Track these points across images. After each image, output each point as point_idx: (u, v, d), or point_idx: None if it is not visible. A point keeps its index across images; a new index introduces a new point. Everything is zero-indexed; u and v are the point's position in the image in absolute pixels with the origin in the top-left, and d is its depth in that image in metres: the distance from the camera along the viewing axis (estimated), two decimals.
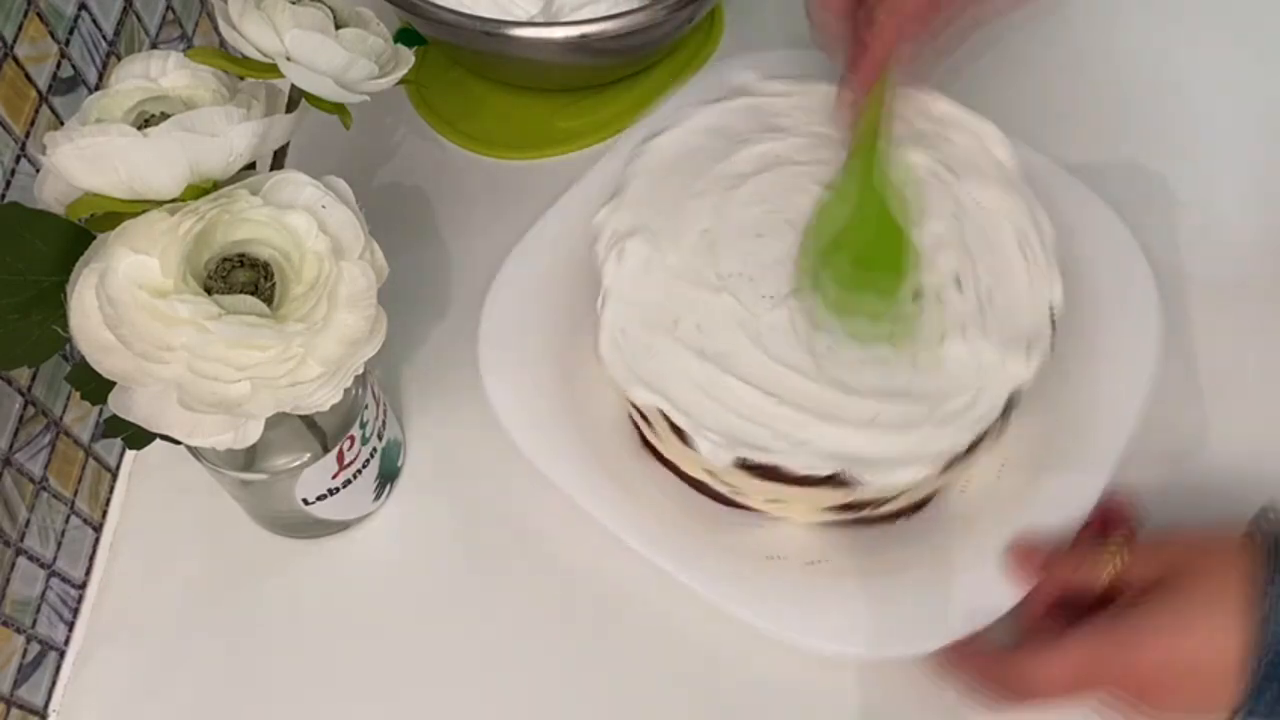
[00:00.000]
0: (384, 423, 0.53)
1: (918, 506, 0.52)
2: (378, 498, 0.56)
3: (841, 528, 0.52)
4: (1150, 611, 0.43)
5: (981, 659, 0.47)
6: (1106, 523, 0.50)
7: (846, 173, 0.53)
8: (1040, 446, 0.52)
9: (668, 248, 0.53)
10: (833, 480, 0.47)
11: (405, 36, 0.66)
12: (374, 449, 0.53)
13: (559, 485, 0.52)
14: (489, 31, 0.60)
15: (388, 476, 0.56)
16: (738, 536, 0.52)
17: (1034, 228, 0.52)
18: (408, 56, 0.46)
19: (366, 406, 0.51)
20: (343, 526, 0.55)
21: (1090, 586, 0.46)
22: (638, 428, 0.54)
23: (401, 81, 0.45)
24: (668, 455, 0.53)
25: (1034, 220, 0.52)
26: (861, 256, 0.52)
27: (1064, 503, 0.50)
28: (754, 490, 0.50)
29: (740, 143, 0.56)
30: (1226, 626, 0.41)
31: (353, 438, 0.50)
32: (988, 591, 0.48)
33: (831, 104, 0.55)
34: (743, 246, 0.53)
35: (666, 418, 0.49)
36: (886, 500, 0.50)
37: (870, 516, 0.52)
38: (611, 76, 0.68)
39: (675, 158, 0.56)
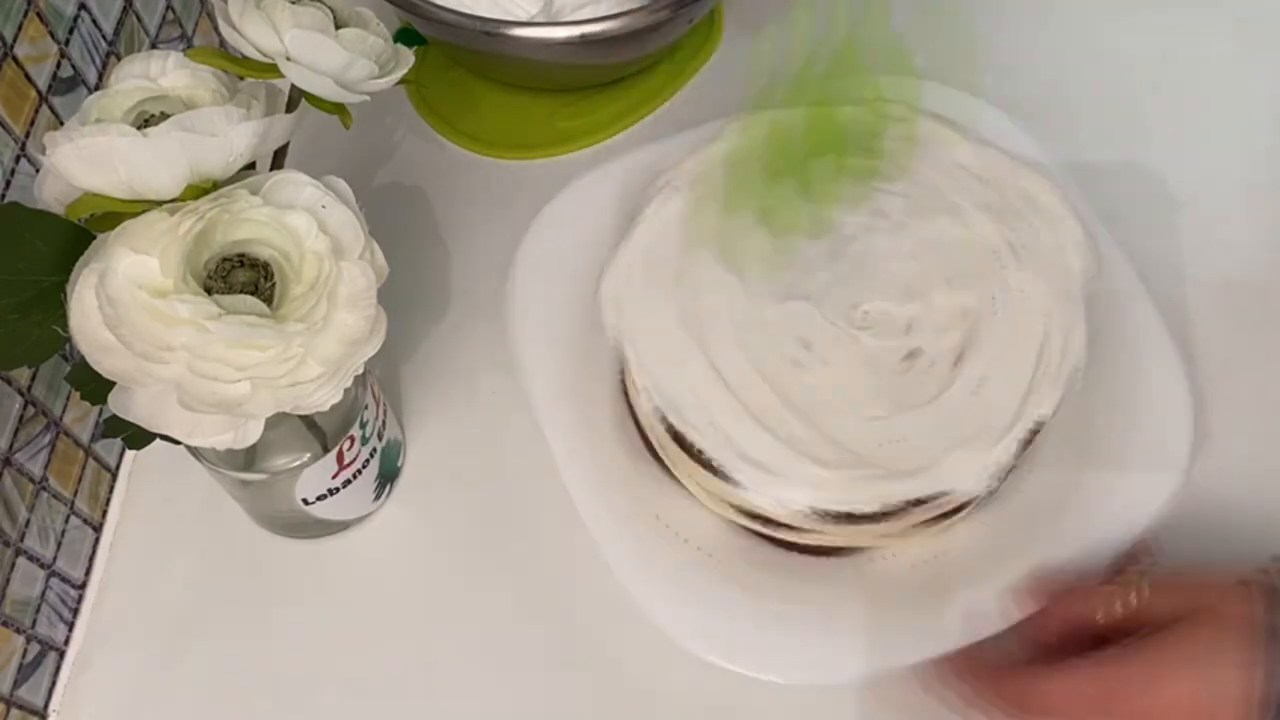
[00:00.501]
0: (384, 423, 0.53)
1: (829, 551, 0.51)
2: (378, 498, 0.56)
3: (758, 540, 0.51)
4: (1168, 647, 0.42)
5: (985, 671, 0.46)
6: (1124, 555, 0.49)
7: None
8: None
9: (709, 210, 0.53)
10: (715, 470, 0.47)
11: (405, 36, 0.66)
12: (374, 449, 0.53)
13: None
14: (489, 31, 0.60)
15: (388, 476, 0.56)
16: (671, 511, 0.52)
17: (1063, 342, 0.50)
18: (408, 56, 0.46)
19: (366, 406, 0.51)
20: (343, 526, 0.55)
21: (1103, 618, 0.45)
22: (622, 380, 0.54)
23: (401, 81, 0.45)
24: (636, 409, 0.53)
25: (1067, 337, 0.50)
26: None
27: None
28: (684, 470, 0.51)
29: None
30: (1248, 669, 0.41)
31: (353, 438, 0.50)
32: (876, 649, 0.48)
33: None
34: (777, 238, 0.53)
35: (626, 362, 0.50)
36: (794, 527, 0.49)
37: (780, 539, 0.51)
38: (611, 76, 0.68)
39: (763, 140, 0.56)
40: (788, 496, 0.47)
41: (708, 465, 0.48)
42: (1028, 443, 0.48)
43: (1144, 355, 0.54)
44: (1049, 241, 0.53)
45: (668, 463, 0.52)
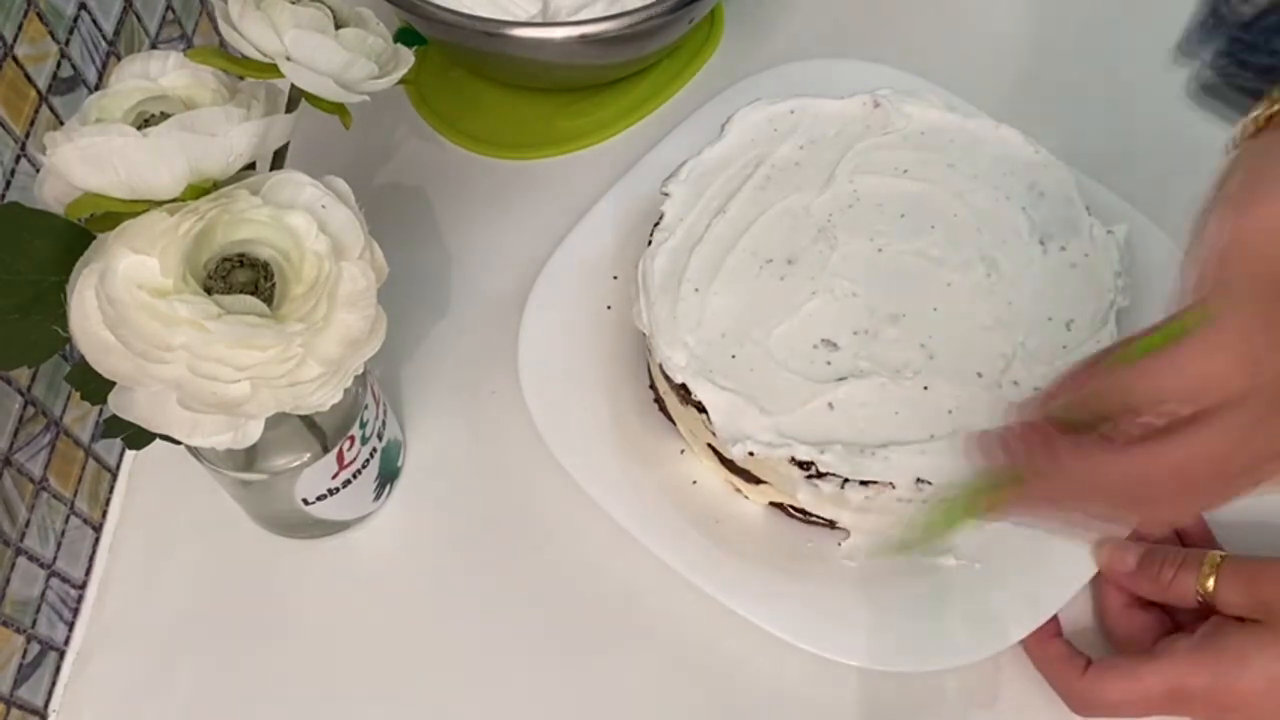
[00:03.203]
0: (384, 423, 0.53)
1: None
2: (378, 498, 0.56)
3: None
4: (1253, 637, 0.43)
5: (1061, 665, 0.47)
6: (1182, 535, 0.50)
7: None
8: None
9: (878, 136, 0.56)
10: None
11: (405, 36, 0.66)
12: (374, 449, 0.53)
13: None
14: (489, 31, 0.60)
15: (388, 476, 0.56)
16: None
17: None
18: (408, 56, 0.46)
19: (366, 406, 0.51)
20: (343, 526, 0.55)
21: (1180, 597, 0.46)
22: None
23: (401, 81, 0.45)
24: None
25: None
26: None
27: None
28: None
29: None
30: None
31: (353, 438, 0.50)
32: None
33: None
34: (885, 200, 0.54)
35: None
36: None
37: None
38: (611, 76, 0.68)
39: (954, 134, 0.57)
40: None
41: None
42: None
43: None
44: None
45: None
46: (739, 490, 0.53)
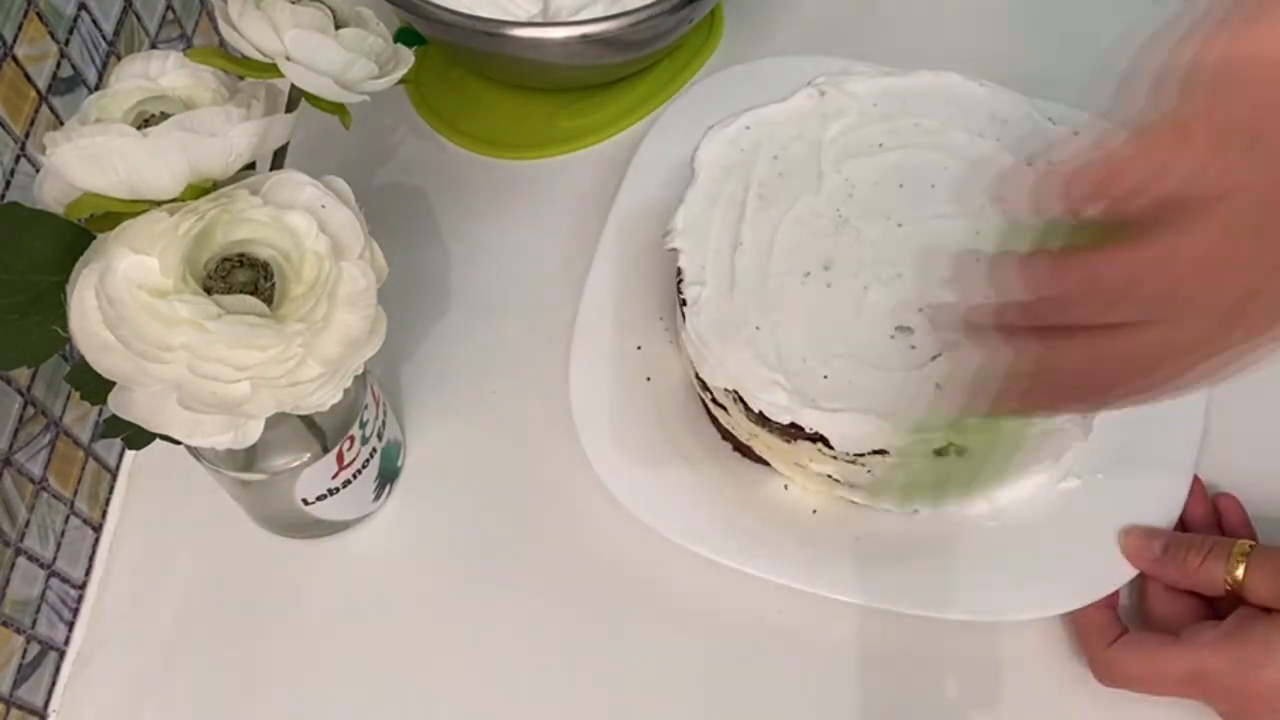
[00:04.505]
0: (384, 423, 0.53)
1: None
2: (378, 498, 0.56)
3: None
4: (1275, 634, 0.43)
5: (1095, 631, 0.48)
6: (1221, 523, 0.50)
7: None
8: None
9: (844, 124, 0.56)
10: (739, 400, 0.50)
11: (405, 36, 0.66)
12: (374, 449, 0.53)
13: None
14: (489, 31, 0.60)
15: (388, 476, 0.56)
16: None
17: None
18: (408, 56, 0.46)
19: (366, 406, 0.51)
20: (343, 526, 0.55)
21: (1208, 585, 0.46)
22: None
23: (401, 81, 0.45)
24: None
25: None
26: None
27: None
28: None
29: (995, 139, 0.55)
30: None
31: (353, 438, 0.50)
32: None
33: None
34: (878, 177, 0.54)
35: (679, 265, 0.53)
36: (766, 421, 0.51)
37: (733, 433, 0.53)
38: (611, 76, 0.68)
39: (946, 98, 0.57)
40: (710, 358, 0.50)
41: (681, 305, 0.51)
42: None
43: None
44: None
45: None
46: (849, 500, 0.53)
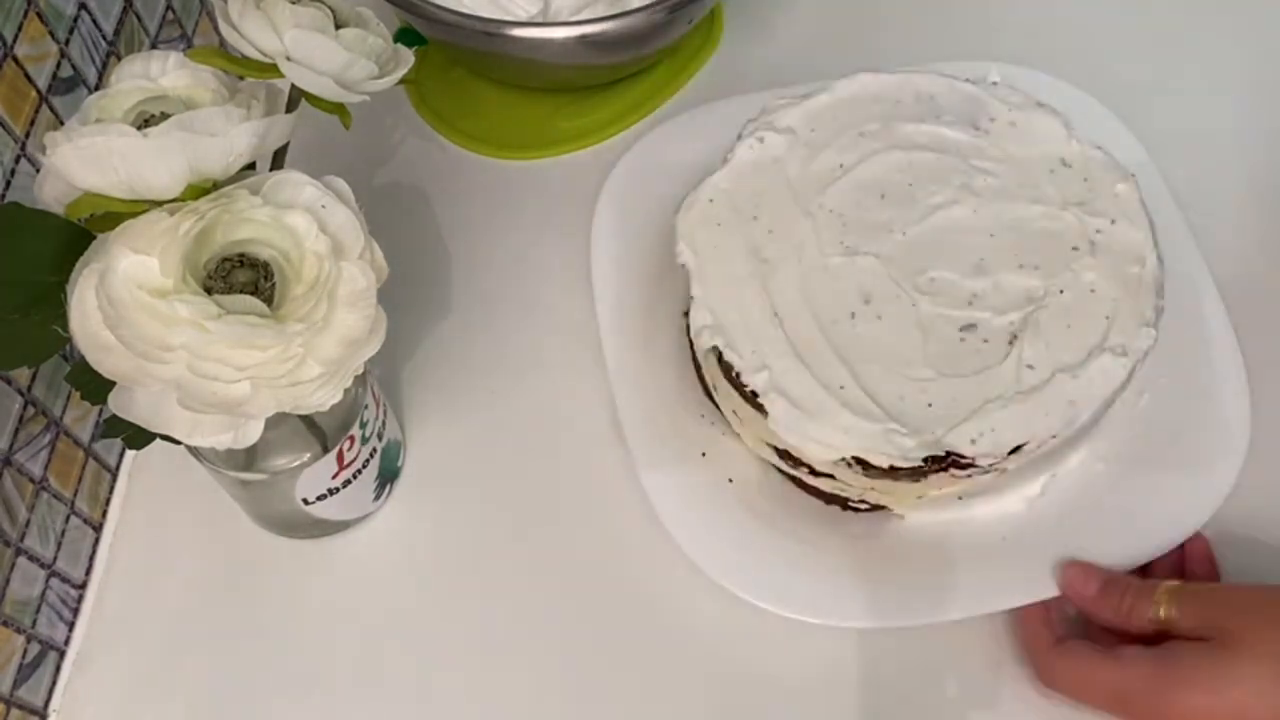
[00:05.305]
0: (384, 423, 0.53)
1: (852, 504, 0.53)
2: (378, 498, 0.56)
3: (784, 482, 0.54)
4: (1201, 655, 0.44)
5: (1035, 629, 0.49)
6: (1185, 564, 0.51)
7: None
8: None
9: (801, 159, 0.55)
10: (752, 399, 0.49)
11: (405, 36, 0.66)
12: (374, 449, 0.53)
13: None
14: (489, 31, 0.60)
15: (388, 476, 0.56)
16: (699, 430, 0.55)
17: (1123, 342, 0.50)
18: (408, 56, 0.46)
19: (366, 406, 0.51)
20: (343, 526, 0.55)
21: (1137, 623, 0.47)
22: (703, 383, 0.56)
23: (401, 81, 0.45)
24: (708, 379, 0.54)
25: (1128, 340, 0.50)
26: None
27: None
28: (725, 395, 0.52)
29: (935, 118, 0.56)
30: (1261, 697, 0.42)
31: (353, 438, 0.50)
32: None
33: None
34: (859, 196, 0.53)
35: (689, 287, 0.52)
36: (817, 473, 0.51)
37: (802, 481, 0.53)
38: (611, 76, 0.68)
39: (869, 99, 0.56)
40: (815, 436, 0.48)
41: (745, 393, 0.49)
42: (1056, 436, 0.48)
43: (1208, 364, 0.56)
44: (1130, 245, 0.53)
45: (715, 396, 0.54)
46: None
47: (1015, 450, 0.48)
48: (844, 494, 0.52)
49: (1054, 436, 0.48)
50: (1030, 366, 0.49)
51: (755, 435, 0.52)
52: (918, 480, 0.49)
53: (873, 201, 0.53)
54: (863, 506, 0.53)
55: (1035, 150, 0.55)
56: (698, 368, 0.56)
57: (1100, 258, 0.52)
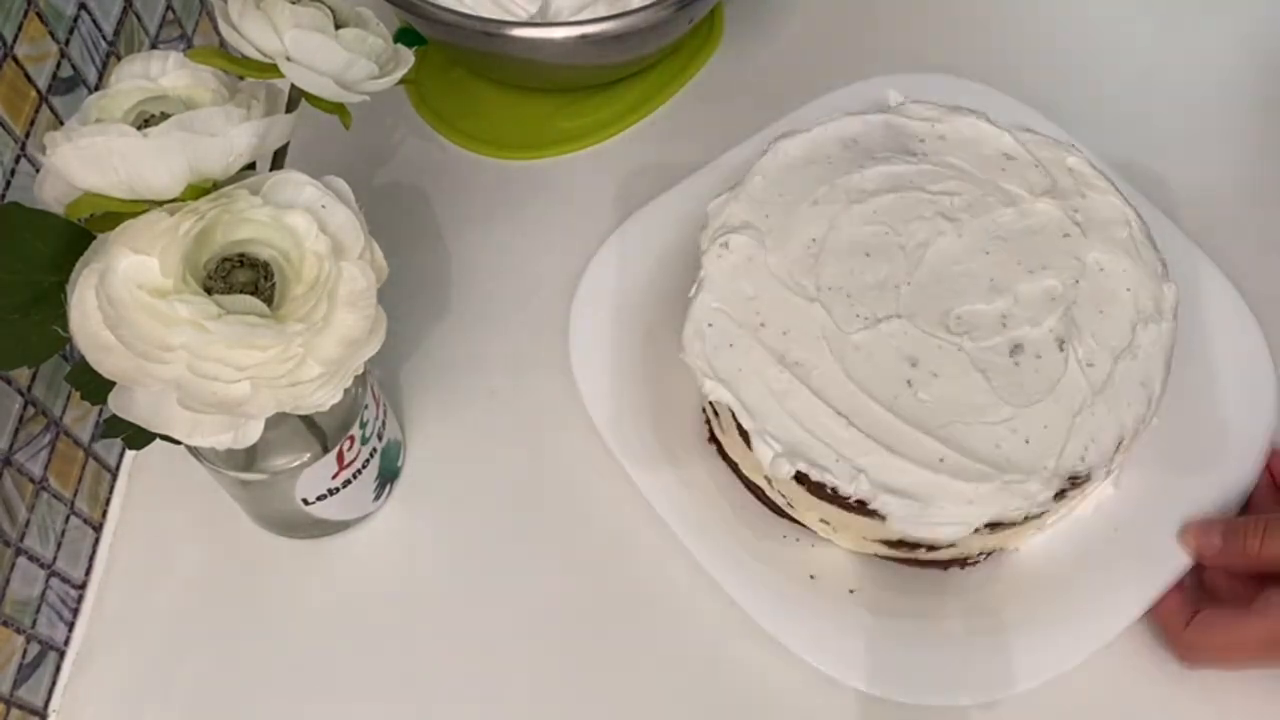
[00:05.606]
0: (384, 423, 0.53)
1: (971, 560, 0.52)
2: (378, 498, 0.56)
3: (888, 563, 0.52)
4: None
5: (1171, 616, 0.49)
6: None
7: None
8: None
9: (772, 248, 0.52)
10: (880, 513, 0.47)
11: (405, 36, 0.66)
12: (374, 449, 0.53)
13: (615, 454, 0.53)
14: (489, 31, 0.60)
15: (388, 476, 0.56)
16: (783, 550, 0.52)
17: (1153, 306, 0.51)
18: (408, 56, 0.46)
19: (366, 406, 0.51)
20: (343, 526, 0.55)
21: (1271, 564, 0.47)
22: (708, 421, 0.55)
23: (401, 81, 0.45)
24: (731, 454, 0.53)
25: (1156, 301, 0.51)
26: None
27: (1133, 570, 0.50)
28: (807, 506, 0.50)
29: (872, 159, 0.55)
30: None
31: (353, 438, 0.50)
32: (1035, 653, 0.49)
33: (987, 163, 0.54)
34: (848, 262, 0.52)
35: (735, 417, 0.48)
36: (938, 547, 0.50)
37: (919, 559, 0.51)
38: (611, 76, 0.68)
39: (804, 162, 0.55)
40: (942, 519, 0.46)
41: (850, 505, 0.47)
42: (1145, 415, 0.49)
43: (1223, 326, 0.56)
44: (1109, 211, 0.53)
45: (782, 504, 0.51)
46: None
47: (1117, 449, 0.48)
48: (963, 555, 0.51)
49: (1143, 420, 0.48)
50: (1090, 365, 0.49)
51: (858, 536, 0.50)
52: (1040, 516, 0.48)
53: (862, 264, 0.52)
54: (982, 559, 0.52)
55: (977, 154, 0.55)
56: (749, 486, 0.53)
57: (1092, 236, 0.52)
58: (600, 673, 0.52)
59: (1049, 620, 0.50)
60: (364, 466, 0.52)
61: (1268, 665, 0.47)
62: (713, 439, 0.55)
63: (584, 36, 0.60)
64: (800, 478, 0.47)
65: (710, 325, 0.51)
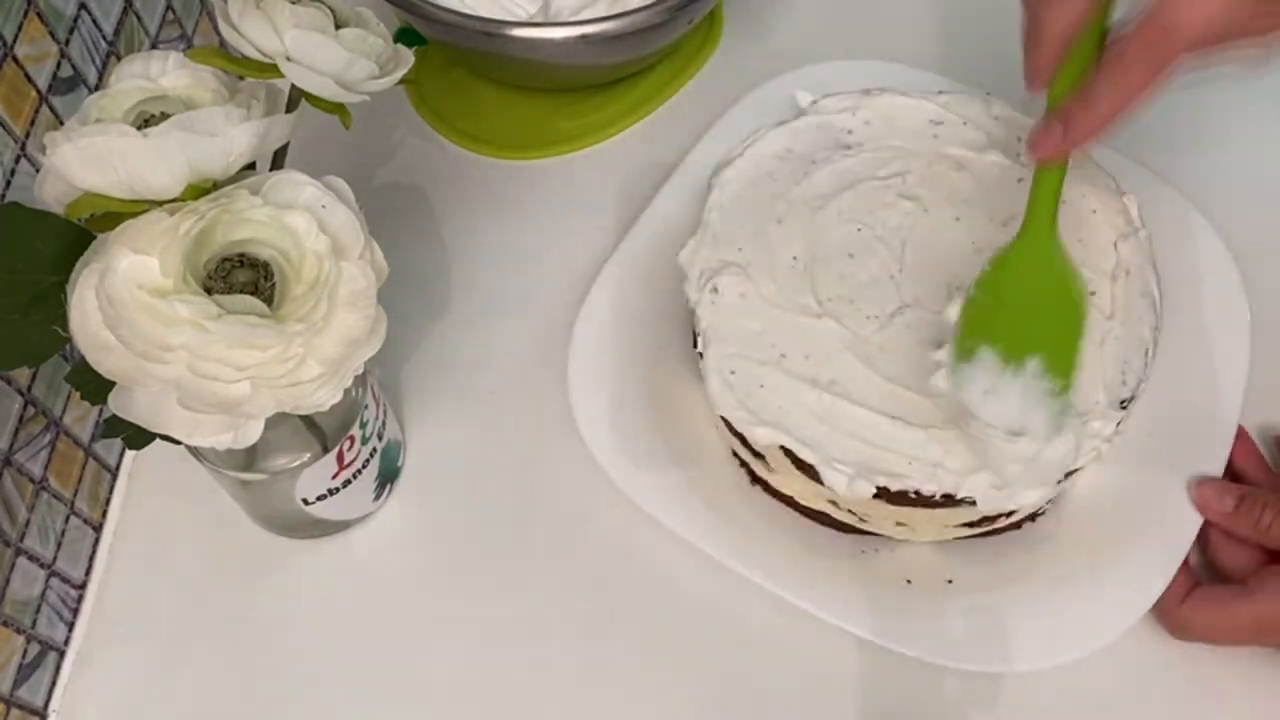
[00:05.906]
0: (384, 423, 0.53)
1: (1040, 512, 0.52)
2: (378, 498, 0.56)
3: (966, 541, 0.52)
4: None
5: (1169, 593, 0.48)
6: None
7: (1019, 241, 0.48)
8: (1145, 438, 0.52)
9: (761, 279, 0.51)
10: (969, 500, 0.47)
11: (405, 36, 0.66)
12: (374, 449, 0.53)
13: (672, 528, 0.51)
14: (489, 31, 0.60)
15: (388, 476, 0.56)
16: (867, 563, 0.51)
17: (1121, 217, 0.52)
18: (408, 56, 0.46)
19: (366, 406, 0.51)
20: (343, 526, 0.55)
21: (1276, 542, 0.48)
22: (743, 465, 0.53)
23: (401, 81, 0.45)
24: (786, 490, 0.52)
25: (1120, 210, 0.52)
26: (1030, 333, 0.47)
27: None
28: (884, 515, 0.49)
29: (814, 163, 0.55)
30: None
31: (353, 438, 0.50)
32: (1132, 587, 0.49)
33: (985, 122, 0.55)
34: (837, 268, 0.52)
35: (791, 454, 0.47)
36: (1013, 511, 0.50)
37: (998, 528, 0.51)
38: (611, 76, 0.68)
39: (750, 185, 0.54)
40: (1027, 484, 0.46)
41: (934, 502, 0.47)
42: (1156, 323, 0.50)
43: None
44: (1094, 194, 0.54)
45: (853, 520, 0.51)
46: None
47: (1146, 362, 0.49)
48: (1035, 509, 0.51)
49: (1156, 328, 0.50)
50: (1093, 292, 0.49)
51: (940, 526, 0.50)
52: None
53: (850, 266, 0.52)
54: (1049, 506, 0.52)
55: (905, 128, 0.55)
56: (808, 514, 0.53)
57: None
58: (601, 670, 0.52)
59: (1132, 552, 0.49)
60: (364, 466, 0.52)
61: (1257, 644, 0.47)
62: (755, 480, 0.53)
63: (584, 36, 0.60)
64: (880, 491, 0.46)
65: (733, 373, 0.49)
